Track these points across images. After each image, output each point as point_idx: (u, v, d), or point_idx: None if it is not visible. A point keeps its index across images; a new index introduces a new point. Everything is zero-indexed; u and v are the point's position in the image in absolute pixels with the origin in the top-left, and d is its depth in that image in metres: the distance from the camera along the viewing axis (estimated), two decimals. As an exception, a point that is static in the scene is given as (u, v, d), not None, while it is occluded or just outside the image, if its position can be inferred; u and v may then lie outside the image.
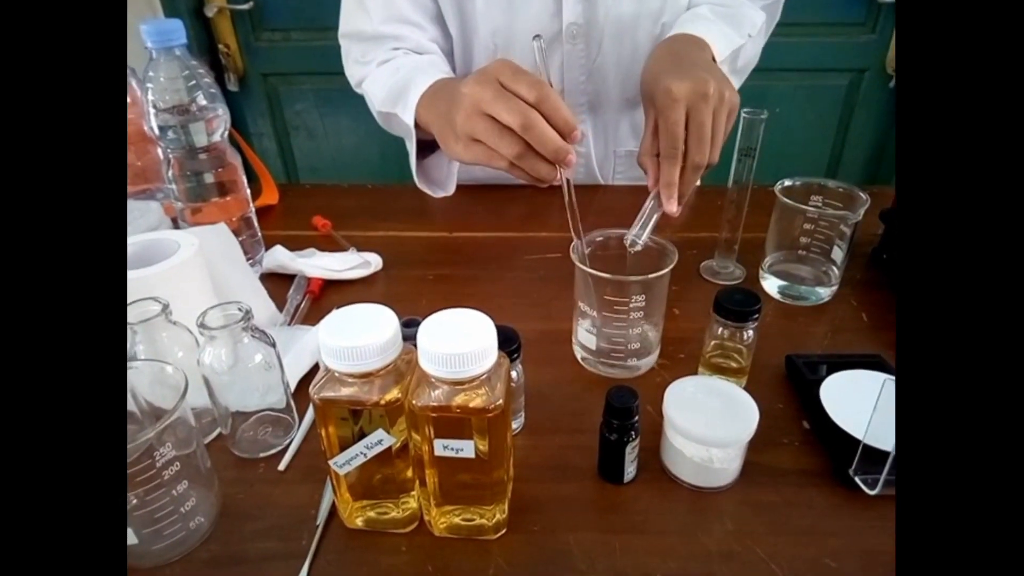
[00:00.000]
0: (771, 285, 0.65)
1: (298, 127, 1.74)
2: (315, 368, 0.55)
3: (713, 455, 0.42)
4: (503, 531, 0.41)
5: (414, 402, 0.35)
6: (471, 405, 0.35)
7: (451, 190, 0.80)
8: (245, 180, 0.68)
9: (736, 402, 0.44)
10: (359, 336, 0.35)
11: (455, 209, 0.84)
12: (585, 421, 0.49)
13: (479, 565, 0.39)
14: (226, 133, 0.63)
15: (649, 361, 0.54)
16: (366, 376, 0.36)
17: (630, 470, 0.44)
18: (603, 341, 0.53)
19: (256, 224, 0.71)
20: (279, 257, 0.68)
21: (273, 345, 0.46)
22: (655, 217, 0.54)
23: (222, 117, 0.61)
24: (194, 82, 0.58)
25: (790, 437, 0.48)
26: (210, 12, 1.55)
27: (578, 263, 0.50)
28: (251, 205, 0.70)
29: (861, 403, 0.43)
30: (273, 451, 0.47)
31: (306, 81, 1.66)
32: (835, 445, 0.45)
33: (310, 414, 0.50)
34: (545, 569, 0.39)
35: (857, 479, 0.42)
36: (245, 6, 1.54)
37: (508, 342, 0.44)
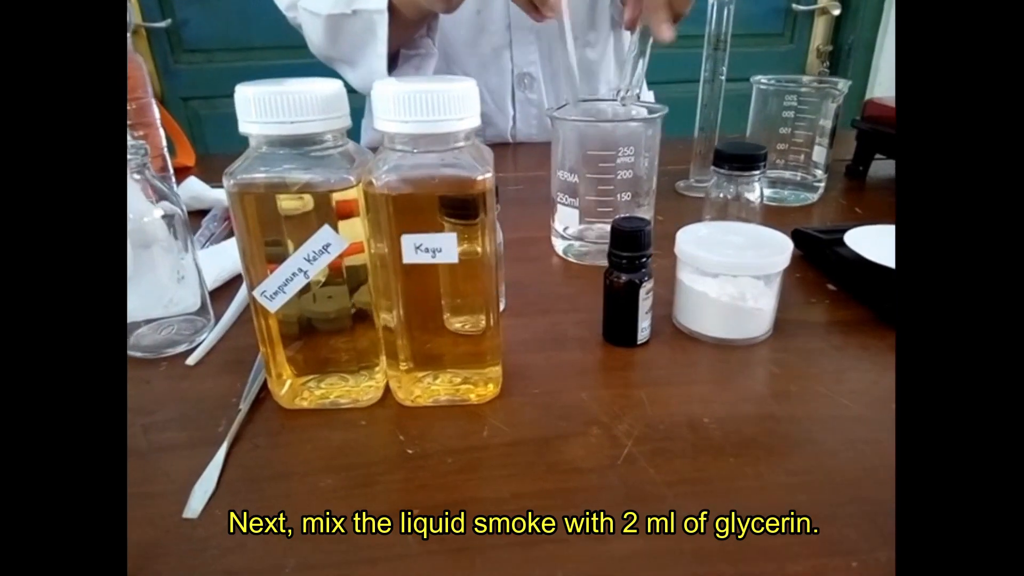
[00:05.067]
0: (755, 193, 0.60)
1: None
2: (238, 277, 0.44)
3: (746, 290, 0.34)
4: (491, 397, 0.31)
5: (373, 182, 0.26)
6: (451, 176, 0.26)
7: None
8: (156, 109, 0.58)
9: (762, 235, 0.37)
10: (295, 86, 0.26)
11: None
12: (578, 302, 0.40)
13: (467, 429, 0.29)
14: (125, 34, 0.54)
15: (642, 246, 0.47)
16: (303, 142, 0.26)
17: (644, 326, 0.35)
18: (587, 215, 0.45)
19: (171, 167, 0.61)
20: (194, 187, 0.57)
21: (172, 197, 0.35)
22: (641, 65, 0.47)
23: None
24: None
25: (818, 297, 0.41)
26: (124, 31, 1.46)
27: (559, 117, 0.43)
28: (164, 139, 0.60)
29: (887, 248, 0.38)
30: (179, 349, 0.36)
31: (230, 104, 1.57)
32: (872, 285, 0.38)
33: (232, 309, 0.39)
34: (558, 425, 0.29)
35: (913, 311, 0.35)
36: (161, 24, 1.46)
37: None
